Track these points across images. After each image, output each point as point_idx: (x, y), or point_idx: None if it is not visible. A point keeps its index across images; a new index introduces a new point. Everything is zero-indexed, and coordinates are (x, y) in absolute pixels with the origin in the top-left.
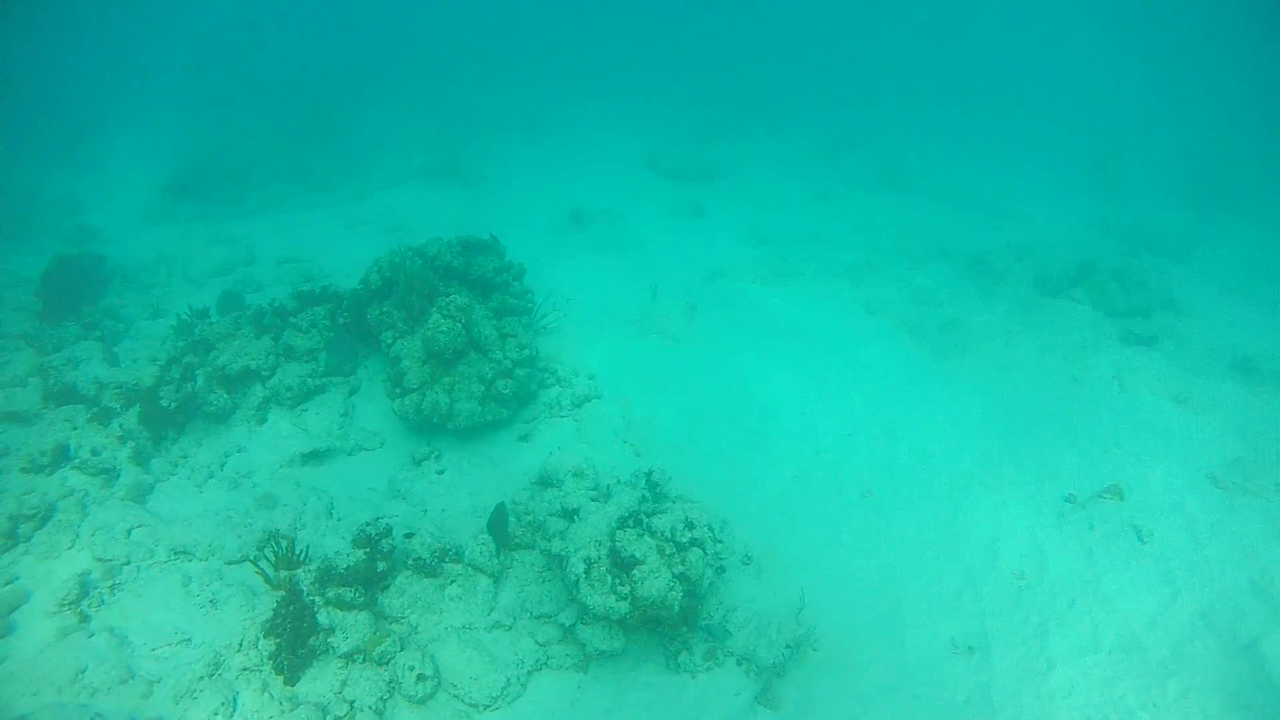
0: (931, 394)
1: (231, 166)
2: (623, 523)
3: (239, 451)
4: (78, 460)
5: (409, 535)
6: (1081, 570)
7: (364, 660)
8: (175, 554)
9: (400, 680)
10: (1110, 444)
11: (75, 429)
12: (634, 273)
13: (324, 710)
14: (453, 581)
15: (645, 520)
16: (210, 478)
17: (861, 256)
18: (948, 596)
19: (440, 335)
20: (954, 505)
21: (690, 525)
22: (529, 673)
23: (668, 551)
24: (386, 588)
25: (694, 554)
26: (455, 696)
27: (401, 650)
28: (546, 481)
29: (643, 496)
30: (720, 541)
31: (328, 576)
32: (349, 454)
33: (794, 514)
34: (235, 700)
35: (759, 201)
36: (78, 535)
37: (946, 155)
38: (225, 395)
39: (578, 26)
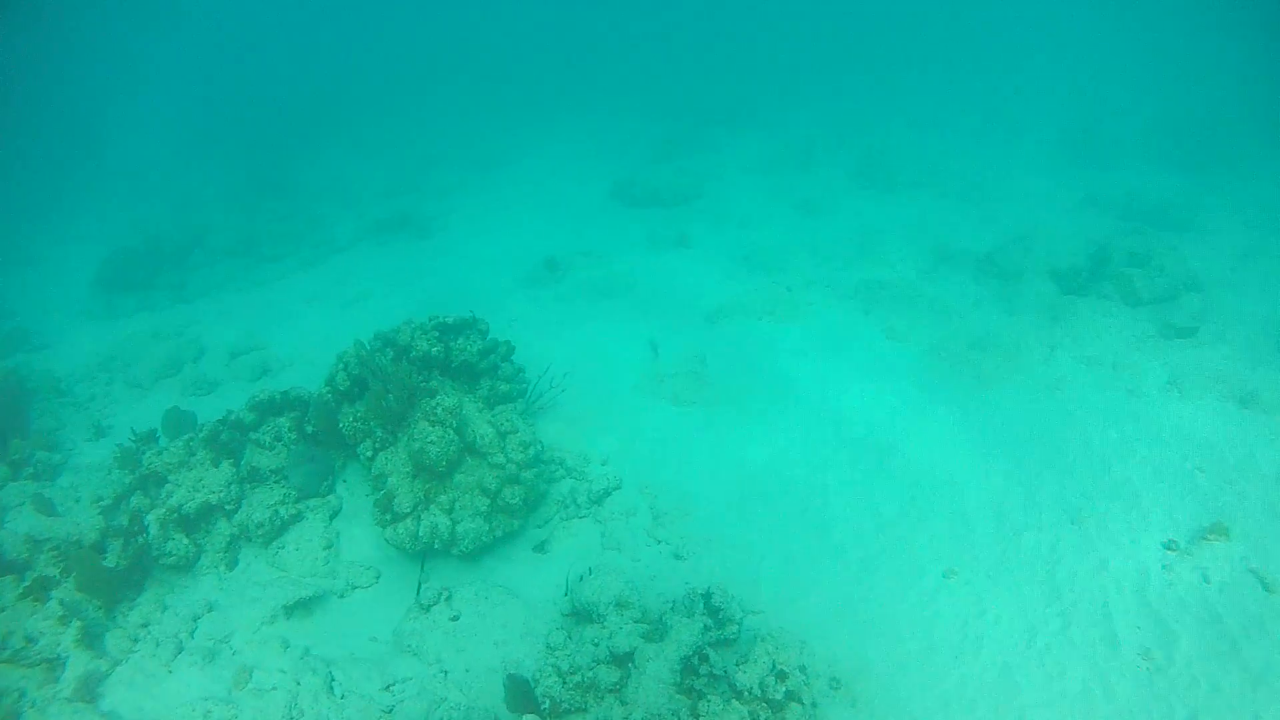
0: (987, 436)
1: (171, 246)
2: (687, 665)
3: (210, 610)
4: (8, 652)
5: None
6: (1214, 640)
7: None
8: None
9: None
10: (1192, 468)
11: (2, 610)
12: (627, 324)
13: None
14: None
15: (711, 657)
16: (180, 651)
17: (867, 272)
18: (1073, 697)
19: (431, 448)
20: (1048, 573)
21: (781, 675)
22: None
23: (763, 717)
24: None
25: (793, 711)
26: None
27: None
28: (583, 615)
29: (704, 625)
30: (805, 669)
31: None
32: (341, 596)
33: (873, 610)
34: None
35: (742, 220)
36: None
37: (924, 142)
38: (185, 540)
39: (524, 53)
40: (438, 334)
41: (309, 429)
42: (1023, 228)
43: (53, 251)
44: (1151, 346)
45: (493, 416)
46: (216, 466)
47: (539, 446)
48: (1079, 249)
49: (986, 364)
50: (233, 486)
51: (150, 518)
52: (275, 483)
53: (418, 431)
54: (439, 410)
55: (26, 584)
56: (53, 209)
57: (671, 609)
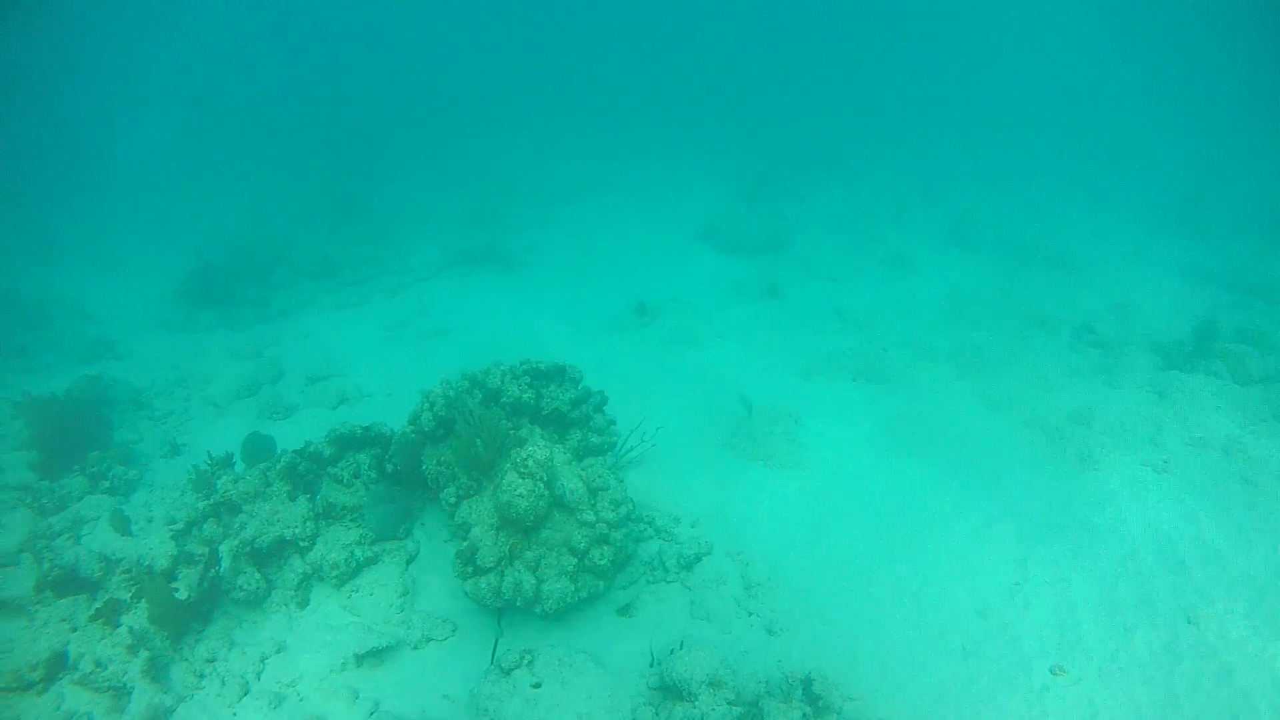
0: (1091, 518)
1: (253, 263)
2: None
3: (279, 651)
4: (79, 674)
5: None
6: None
7: None
8: None
9: None
10: None
11: (75, 630)
12: (718, 376)
13: None
14: None
15: None
16: (246, 693)
17: (961, 335)
18: None
19: (519, 501)
20: (1165, 676)
21: None
22: None
23: None
24: None
25: None
26: None
27: None
28: (673, 691)
29: (803, 714)
30: None
31: None
32: (414, 648)
33: (977, 706)
34: None
35: (832, 273)
36: None
37: (1016, 204)
38: (257, 575)
39: (618, 87)
40: (529, 379)
41: (389, 468)
42: (1120, 296)
43: (133, 257)
44: (1267, 431)
45: (582, 469)
46: (293, 500)
47: (630, 505)
48: (1181, 321)
49: (1089, 439)
50: (308, 523)
51: (223, 548)
52: (352, 521)
53: (506, 483)
54: (530, 462)
55: (99, 605)
56: (139, 214)
57: (767, 692)
